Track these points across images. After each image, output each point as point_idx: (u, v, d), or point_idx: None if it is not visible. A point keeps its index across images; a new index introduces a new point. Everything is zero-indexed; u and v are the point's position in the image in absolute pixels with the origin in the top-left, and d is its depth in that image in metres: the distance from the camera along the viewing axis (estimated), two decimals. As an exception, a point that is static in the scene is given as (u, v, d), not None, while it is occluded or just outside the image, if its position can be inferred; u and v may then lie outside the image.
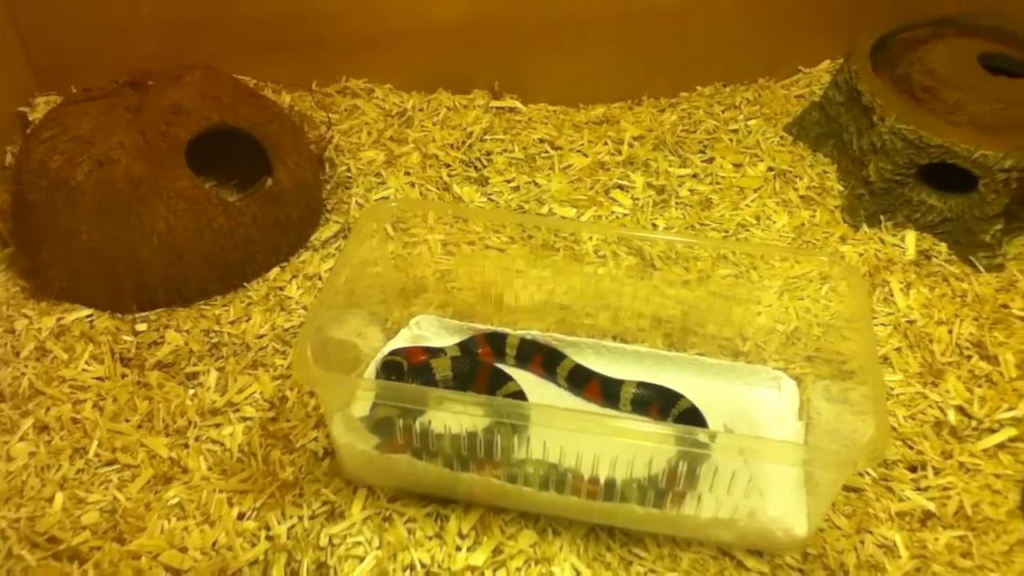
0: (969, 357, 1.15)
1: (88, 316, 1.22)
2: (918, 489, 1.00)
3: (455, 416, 0.93)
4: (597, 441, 0.89)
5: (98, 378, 1.13)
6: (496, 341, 1.15)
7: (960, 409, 1.09)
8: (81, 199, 1.16)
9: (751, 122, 1.58)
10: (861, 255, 1.30)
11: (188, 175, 1.19)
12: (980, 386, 1.11)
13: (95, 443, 1.05)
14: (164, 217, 1.18)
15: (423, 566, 0.92)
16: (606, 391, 1.09)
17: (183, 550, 0.94)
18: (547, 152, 1.52)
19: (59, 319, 1.21)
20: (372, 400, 0.98)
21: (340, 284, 1.04)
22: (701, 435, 0.85)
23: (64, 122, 1.22)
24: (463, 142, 1.53)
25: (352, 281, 1.10)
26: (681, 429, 0.87)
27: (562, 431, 0.89)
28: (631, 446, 0.88)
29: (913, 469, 1.02)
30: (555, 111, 1.63)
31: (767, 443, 0.93)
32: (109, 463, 1.04)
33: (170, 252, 1.19)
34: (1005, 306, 1.23)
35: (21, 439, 1.05)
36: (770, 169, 1.47)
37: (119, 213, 1.16)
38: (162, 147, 1.19)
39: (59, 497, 0.99)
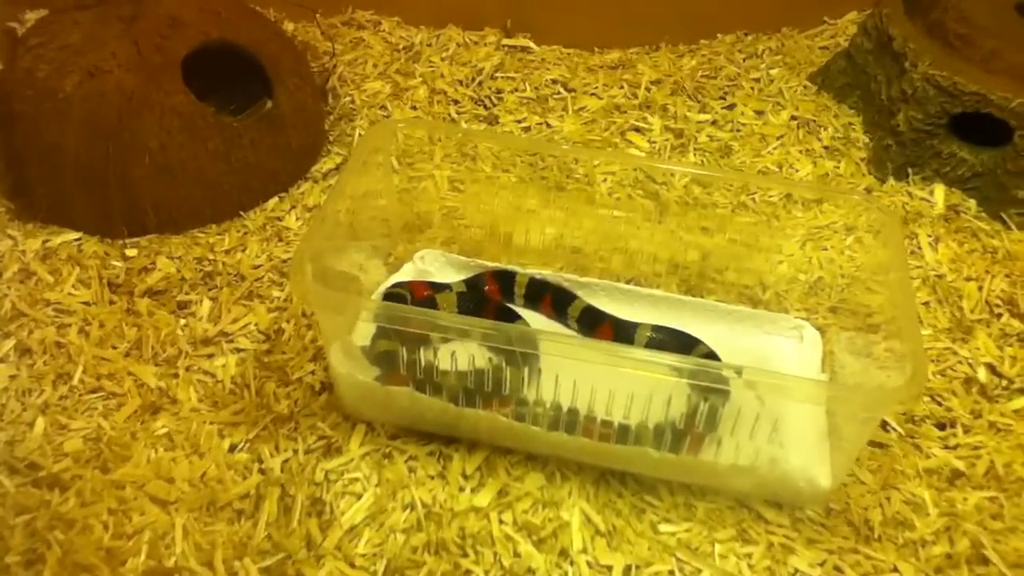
0: (1000, 315, 1.10)
1: (76, 240, 1.15)
2: (947, 447, 0.95)
3: (462, 348, 0.87)
4: (611, 377, 0.83)
5: (85, 303, 1.07)
6: (504, 279, 1.09)
7: (990, 367, 1.04)
8: (69, 111, 1.10)
9: (773, 71, 1.51)
10: (888, 208, 1.24)
11: (183, 90, 1.12)
12: (1011, 345, 1.06)
13: (80, 369, 0.99)
14: (156, 134, 1.11)
15: (424, 505, 0.87)
16: (619, 334, 1.04)
17: (170, 481, 0.89)
18: (560, 93, 1.46)
19: (45, 241, 1.14)
20: (374, 328, 0.92)
21: (338, 210, 0.98)
22: (725, 369, 0.80)
23: (54, 30, 1.15)
24: (472, 79, 1.46)
25: (353, 212, 1.05)
26: (703, 363, 0.81)
27: (574, 366, 0.84)
28: (647, 384, 0.82)
29: (941, 427, 0.97)
30: (569, 53, 1.56)
31: (796, 381, 0.86)
32: (94, 390, 0.98)
33: (163, 172, 1.12)
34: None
35: (1, 361, 0.99)
36: (793, 118, 1.41)
37: (109, 127, 1.10)
38: (157, 60, 1.12)
39: (40, 422, 0.94)
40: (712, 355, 1.00)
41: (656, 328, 1.03)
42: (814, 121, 1.40)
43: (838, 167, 1.31)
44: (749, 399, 0.82)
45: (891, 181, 1.29)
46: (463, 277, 1.11)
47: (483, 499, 0.87)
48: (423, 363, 0.89)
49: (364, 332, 0.94)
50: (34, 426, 0.94)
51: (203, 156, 1.13)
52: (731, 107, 1.42)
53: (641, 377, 0.81)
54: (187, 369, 1.01)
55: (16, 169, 1.17)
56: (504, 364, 0.87)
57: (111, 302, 1.08)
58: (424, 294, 1.05)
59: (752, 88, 1.47)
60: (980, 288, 1.13)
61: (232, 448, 0.92)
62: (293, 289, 1.05)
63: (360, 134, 1.32)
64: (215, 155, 1.14)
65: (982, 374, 1.03)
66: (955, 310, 1.10)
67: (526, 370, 0.88)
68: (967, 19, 1.32)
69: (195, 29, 1.16)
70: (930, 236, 1.19)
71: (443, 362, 0.89)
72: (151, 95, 1.11)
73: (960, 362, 1.04)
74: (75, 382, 0.98)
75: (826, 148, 1.35)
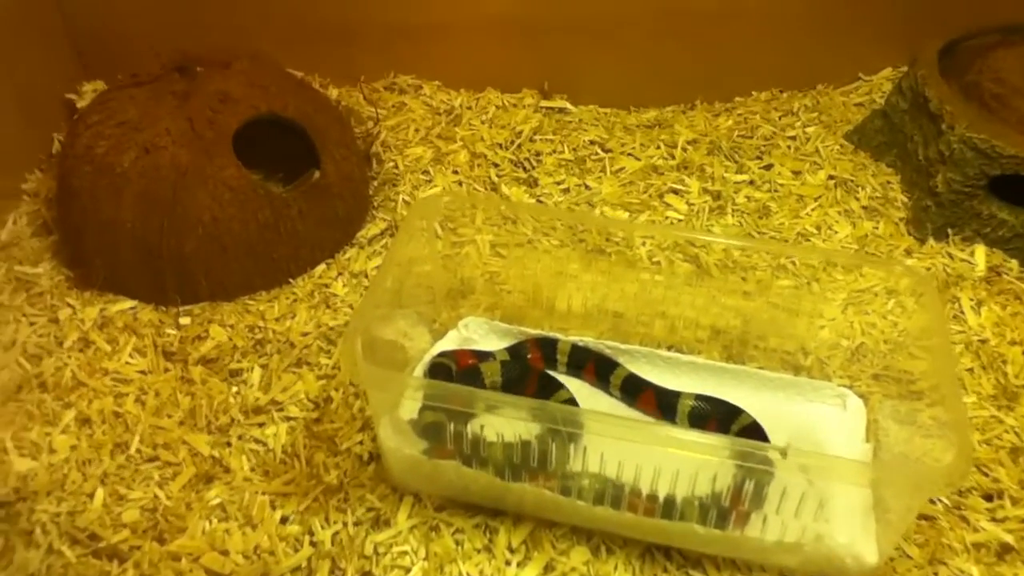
0: (1044, 380, 1.10)
1: (132, 308, 1.19)
2: (994, 520, 0.94)
3: (507, 422, 0.89)
4: (656, 454, 0.85)
5: (141, 371, 1.11)
6: (547, 346, 1.11)
7: (1036, 435, 1.03)
8: (126, 186, 1.14)
9: (809, 129, 1.53)
10: (928, 270, 1.24)
11: (234, 164, 1.16)
12: (1057, 411, 1.06)
13: (137, 438, 1.03)
14: (209, 207, 1.15)
15: (471, 580, 0.88)
16: (661, 402, 1.05)
17: (224, 553, 0.91)
18: (598, 154, 1.48)
19: (102, 310, 1.18)
20: (421, 402, 0.95)
21: (387, 283, 1.01)
22: (770, 451, 0.81)
23: (111, 107, 1.20)
24: (512, 142, 1.49)
25: (399, 280, 1.07)
26: (748, 444, 0.82)
27: (619, 442, 0.85)
28: (692, 461, 0.84)
29: (989, 498, 0.97)
30: (606, 113, 1.59)
31: (843, 463, 0.87)
32: (150, 459, 1.01)
33: (214, 243, 1.16)
34: (1081, 327, 1.17)
35: (63, 431, 1.03)
36: (831, 177, 1.42)
37: (164, 202, 1.14)
38: (209, 135, 1.17)
39: (100, 493, 0.97)
40: (755, 425, 1.00)
41: (698, 397, 1.04)
42: (852, 180, 1.41)
43: (877, 228, 1.32)
44: (795, 477, 0.83)
45: (931, 242, 1.29)
46: (506, 344, 1.13)
47: (530, 573, 0.89)
48: (469, 436, 0.90)
49: (411, 405, 0.96)
50: (94, 497, 0.97)
51: (253, 227, 1.17)
52: (768, 167, 1.44)
53: (686, 455, 0.82)
54: (239, 438, 1.04)
55: (74, 241, 1.22)
56: (549, 439, 0.89)
57: (166, 370, 1.12)
58: (468, 363, 1.07)
59: (788, 147, 1.49)
60: (1024, 352, 1.13)
61: (284, 520, 0.94)
62: (344, 367, 1.07)
63: (404, 200, 1.36)
64: (264, 226, 1.18)
65: (1029, 442, 1.02)
66: (1000, 376, 1.10)
67: (571, 446, 0.89)
68: (1002, 80, 1.33)
69: (245, 103, 1.21)
70: (972, 299, 1.19)
71: (489, 435, 0.91)
72: (203, 169, 1.15)
73: (1007, 431, 1.03)
74: (132, 451, 1.02)
75: (864, 208, 1.36)
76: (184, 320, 1.17)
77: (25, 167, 1.38)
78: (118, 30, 1.51)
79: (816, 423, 1.05)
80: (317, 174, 1.23)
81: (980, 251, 1.27)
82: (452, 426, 0.90)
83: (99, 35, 1.52)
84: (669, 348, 1.14)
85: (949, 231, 1.29)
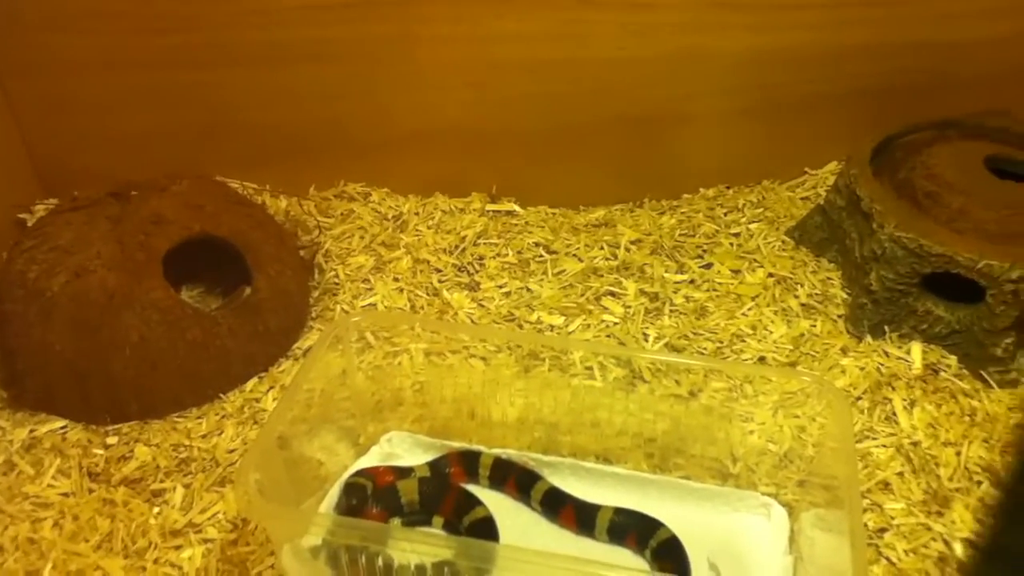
0: (979, 483, 1.07)
1: (62, 428, 1.19)
2: (918, 635, 0.91)
3: (419, 550, 0.88)
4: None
5: (63, 494, 1.10)
6: (469, 460, 1.10)
7: (968, 542, 1.00)
8: (56, 310, 1.16)
9: (753, 225, 1.54)
10: (862, 369, 1.23)
11: (163, 286, 1.18)
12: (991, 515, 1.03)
13: (49, 565, 1.02)
14: (137, 328, 1.16)
15: None
16: (581, 517, 1.03)
17: None
18: (542, 256, 1.49)
19: (31, 431, 1.19)
20: (325, 530, 0.93)
21: (314, 389, 1.01)
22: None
23: (46, 232, 1.23)
24: (456, 246, 1.51)
25: (327, 394, 1.07)
26: None
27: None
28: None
29: (914, 612, 0.94)
30: (554, 213, 1.61)
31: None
32: (61, 587, 1.00)
33: (143, 363, 1.17)
34: (1020, 425, 1.15)
35: (-28, 562, 1.02)
36: (770, 275, 1.42)
37: (92, 325, 1.15)
38: (139, 257, 1.19)
39: (4, 625, 0.96)
40: (674, 540, 0.99)
41: (617, 511, 1.03)
42: (791, 278, 1.41)
43: (814, 326, 1.31)
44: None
45: (868, 339, 1.28)
46: (429, 458, 1.13)
47: None
48: (379, 564, 0.89)
49: (316, 531, 0.94)
50: (-2, 630, 0.95)
51: (182, 346, 1.18)
52: (708, 266, 1.44)
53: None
54: (155, 562, 1.02)
55: (7, 362, 1.23)
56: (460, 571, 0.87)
57: (90, 491, 1.11)
58: (386, 480, 1.06)
59: (732, 243, 1.49)
60: (958, 454, 1.10)
61: (186, 653, 0.93)
62: (239, 506, 1.06)
63: (342, 309, 1.37)
64: (193, 344, 1.19)
65: (958, 549, 0.99)
66: (932, 479, 1.08)
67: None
68: (935, 176, 1.33)
69: (178, 225, 1.23)
70: (905, 400, 1.17)
71: (398, 562, 0.89)
72: (132, 292, 1.17)
73: (934, 538, 1.01)
74: (43, 580, 1.01)
75: (803, 306, 1.35)
76: (111, 440, 1.17)
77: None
78: (75, 151, 1.56)
79: (739, 534, 1.03)
80: (248, 290, 1.25)
81: (916, 349, 1.25)
82: (360, 556, 0.89)
83: (56, 156, 1.56)
84: (596, 458, 1.12)
85: (886, 328, 1.29)
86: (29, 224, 1.49)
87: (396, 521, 1.04)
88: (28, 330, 1.17)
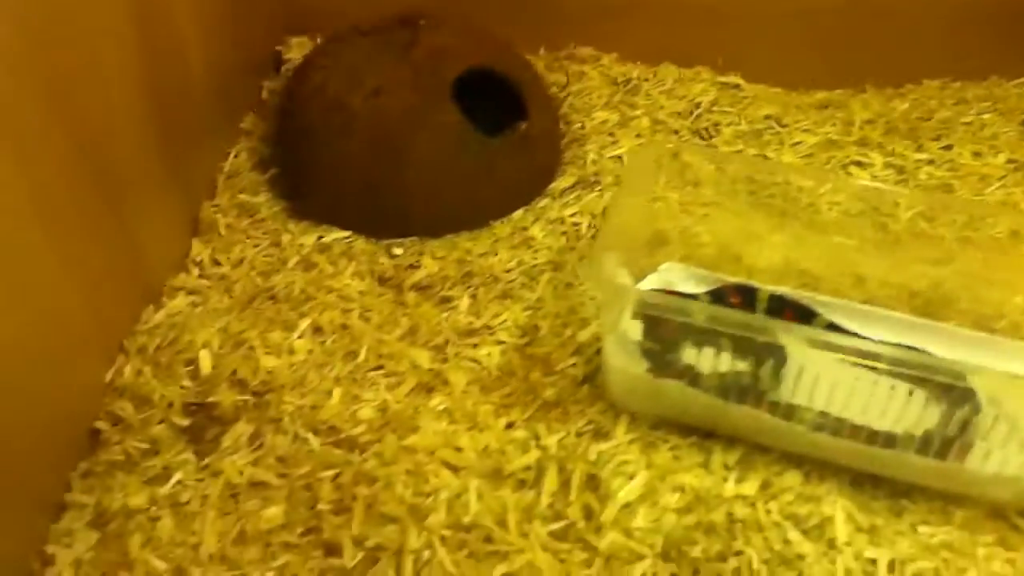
0: None
1: (347, 237, 1.28)
2: None
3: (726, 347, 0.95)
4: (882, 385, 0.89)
5: (361, 292, 1.19)
6: (746, 293, 1.15)
7: None
8: (357, 125, 1.23)
9: (985, 116, 1.54)
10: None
11: (455, 111, 1.24)
12: None
13: (364, 348, 1.11)
14: (429, 149, 1.23)
15: (692, 490, 0.94)
16: (863, 351, 1.08)
17: (458, 449, 0.98)
18: (774, 128, 1.52)
19: (320, 237, 1.28)
20: (642, 324, 1.00)
21: (617, 220, 1.08)
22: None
23: (338, 53, 1.30)
24: (690, 112, 1.54)
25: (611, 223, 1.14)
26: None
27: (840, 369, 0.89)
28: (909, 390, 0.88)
29: None
30: (777, 92, 1.63)
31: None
32: (376, 368, 1.09)
33: (432, 183, 1.24)
34: None
35: (300, 336, 1.12)
36: (1010, 161, 1.43)
37: (390, 140, 1.23)
38: (431, 82, 1.25)
39: (336, 392, 1.05)
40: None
41: (900, 348, 1.07)
42: (1034, 164, 1.42)
43: (1063, 207, 1.33)
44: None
45: (1120, 224, 1.30)
46: (704, 290, 1.19)
47: (748, 488, 0.93)
48: (691, 358, 0.96)
49: (634, 327, 1.02)
50: (331, 395, 1.05)
51: (467, 170, 1.25)
52: (948, 147, 1.46)
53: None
54: (456, 355, 1.11)
55: (294, 174, 1.31)
56: (765, 359, 0.93)
57: (381, 294, 1.20)
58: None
59: (967, 131, 1.50)
60: None
61: (509, 426, 1.01)
62: (590, 281, 1.15)
63: (592, 158, 1.42)
64: (477, 169, 1.26)
65: None
66: None
67: (780, 366, 0.93)
68: None
69: (462, 56, 1.29)
70: None
71: (707, 358, 0.96)
72: (426, 114, 1.23)
73: None
74: (360, 360, 1.10)
75: (1049, 190, 1.37)
76: (397, 251, 1.26)
77: (241, 109, 1.49)
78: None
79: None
80: (524, 125, 1.31)
81: None
82: (673, 348, 0.96)
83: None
84: (862, 303, 1.17)
85: None
86: (285, 56, 1.57)
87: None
88: (328, 142, 1.25)
